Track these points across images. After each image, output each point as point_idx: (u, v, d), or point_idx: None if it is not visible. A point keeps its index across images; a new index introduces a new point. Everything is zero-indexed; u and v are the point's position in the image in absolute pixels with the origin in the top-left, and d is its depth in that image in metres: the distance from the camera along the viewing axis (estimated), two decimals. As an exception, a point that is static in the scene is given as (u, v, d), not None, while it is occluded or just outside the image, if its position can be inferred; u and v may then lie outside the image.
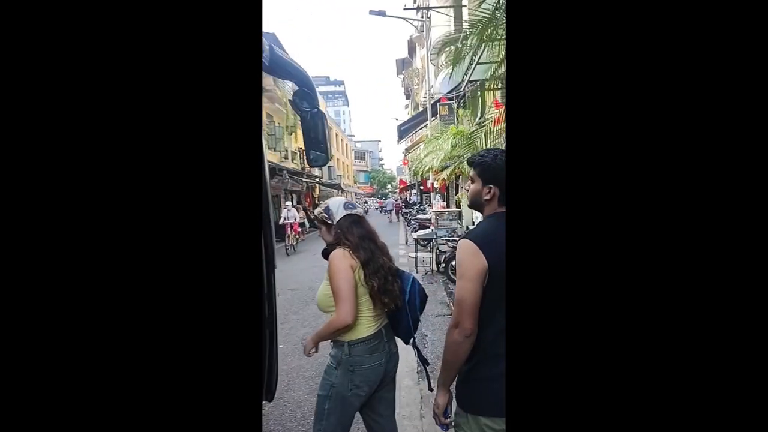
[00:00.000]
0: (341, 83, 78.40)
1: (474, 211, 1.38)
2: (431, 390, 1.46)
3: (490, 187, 1.17)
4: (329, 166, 22.15)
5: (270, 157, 15.04)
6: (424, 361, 1.62)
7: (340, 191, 26.33)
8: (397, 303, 1.47)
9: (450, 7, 9.89)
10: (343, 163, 31.87)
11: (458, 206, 10.69)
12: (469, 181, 1.26)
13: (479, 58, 5.52)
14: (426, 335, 3.84)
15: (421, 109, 15.89)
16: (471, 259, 1.08)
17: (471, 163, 1.23)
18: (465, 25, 4.30)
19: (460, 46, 3.70)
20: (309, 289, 5.96)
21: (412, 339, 1.55)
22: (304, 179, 20.40)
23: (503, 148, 1.23)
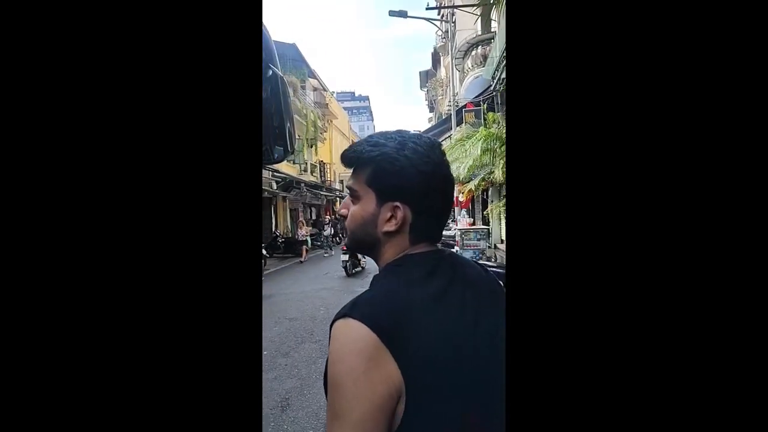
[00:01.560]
0: (366, 99, 79.61)
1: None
2: None
3: (396, 207, 0.59)
4: (340, 180, 21.83)
5: (288, 170, 14.71)
6: None
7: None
8: None
9: (476, 5, 9.12)
10: (365, 177, 31.69)
11: (486, 223, 9.72)
12: (346, 196, 0.68)
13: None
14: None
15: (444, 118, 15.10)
16: (361, 370, 0.49)
17: (353, 159, 0.63)
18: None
19: None
20: (310, 320, 5.18)
21: None
22: (323, 193, 20.02)
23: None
